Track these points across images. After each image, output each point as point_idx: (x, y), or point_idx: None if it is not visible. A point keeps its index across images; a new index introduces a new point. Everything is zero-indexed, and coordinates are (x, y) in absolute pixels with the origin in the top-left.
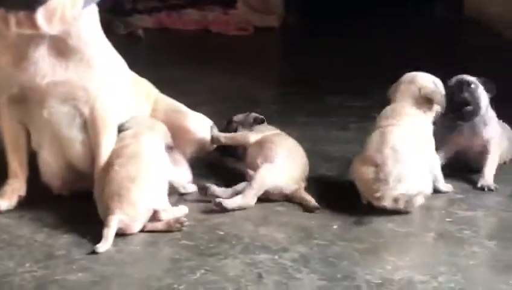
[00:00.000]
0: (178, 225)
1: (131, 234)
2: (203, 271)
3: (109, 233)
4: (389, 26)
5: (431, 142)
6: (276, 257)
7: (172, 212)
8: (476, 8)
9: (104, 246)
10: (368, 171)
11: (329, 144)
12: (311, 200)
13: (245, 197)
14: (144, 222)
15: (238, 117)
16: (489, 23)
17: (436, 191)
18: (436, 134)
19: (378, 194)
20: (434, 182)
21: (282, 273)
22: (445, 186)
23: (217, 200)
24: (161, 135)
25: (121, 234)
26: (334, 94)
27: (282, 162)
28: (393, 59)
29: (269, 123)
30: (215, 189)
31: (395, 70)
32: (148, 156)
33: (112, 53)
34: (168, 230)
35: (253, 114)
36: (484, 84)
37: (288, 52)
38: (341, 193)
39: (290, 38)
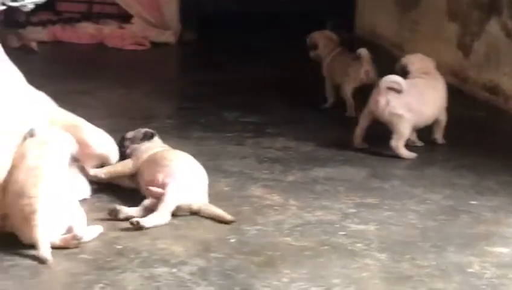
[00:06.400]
0: (75, 242)
1: (28, 248)
2: (101, 285)
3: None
4: (282, 44)
5: None
6: (174, 270)
7: (85, 230)
8: (367, 28)
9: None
10: None
11: (226, 159)
12: (224, 214)
13: (161, 216)
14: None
15: (130, 134)
16: (379, 42)
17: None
18: None
19: None
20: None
21: (181, 286)
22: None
23: (133, 220)
24: (66, 146)
25: (17, 249)
26: (230, 110)
27: (185, 177)
28: (287, 76)
29: (165, 138)
30: (127, 211)
31: (289, 87)
32: (50, 168)
33: (9, 66)
34: (65, 247)
35: (143, 130)
36: None
37: (184, 67)
38: (239, 207)
39: (186, 53)
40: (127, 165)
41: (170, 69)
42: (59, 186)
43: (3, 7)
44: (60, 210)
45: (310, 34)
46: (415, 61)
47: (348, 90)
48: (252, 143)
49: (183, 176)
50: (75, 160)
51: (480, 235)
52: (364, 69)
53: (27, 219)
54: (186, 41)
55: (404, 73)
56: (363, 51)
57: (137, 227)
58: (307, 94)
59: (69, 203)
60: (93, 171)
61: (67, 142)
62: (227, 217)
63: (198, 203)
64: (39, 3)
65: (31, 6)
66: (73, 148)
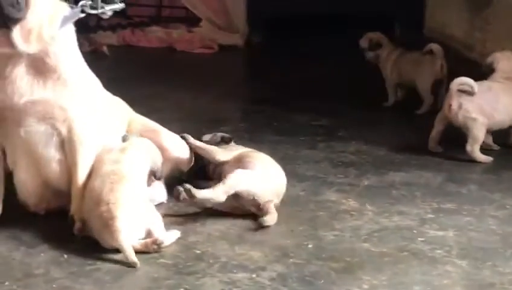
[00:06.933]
0: (155, 247)
1: (109, 252)
2: None
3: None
4: (352, 46)
5: None
6: (254, 275)
7: (164, 235)
8: (437, 29)
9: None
10: None
11: (300, 163)
12: (272, 217)
13: (215, 191)
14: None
15: (206, 137)
16: (449, 43)
17: (407, 212)
18: None
19: None
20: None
21: None
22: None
23: (186, 186)
24: (145, 151)
25: (98, 252)
26: (301, 113)
27: (261, 171)
28: (356, 78)
29: (239, 141)
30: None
31: (357, 89)
32: (127, 172)
33: (88, 72)
34: (144, 251)
35: (220, 133)
36: None
37: (252, 70)
38: (315, 212)
39: (254, 56)
40: (218, 151)
41: (238, 72)
42: (137, 190)
43: (83, 15)
44: (138, 214)
45: (365, 35)
46: (502, 59)
47: (427, 85)
48: (325, 147)
49: (256, 169)
50: (153, 175)
51: None
52: (440, 62)
53: (107, 225)
54: (254, 44)
55: (490, 71)
56: (434, 46)
57: (189, 194)
58: (376, 96)
59: (147, 207)
60: (189, 138)
61: (146, 148)
62: (269, 221)
63: (264, 199)
64: (118, 10)
65: (110, 13)
66: (157, 159)
